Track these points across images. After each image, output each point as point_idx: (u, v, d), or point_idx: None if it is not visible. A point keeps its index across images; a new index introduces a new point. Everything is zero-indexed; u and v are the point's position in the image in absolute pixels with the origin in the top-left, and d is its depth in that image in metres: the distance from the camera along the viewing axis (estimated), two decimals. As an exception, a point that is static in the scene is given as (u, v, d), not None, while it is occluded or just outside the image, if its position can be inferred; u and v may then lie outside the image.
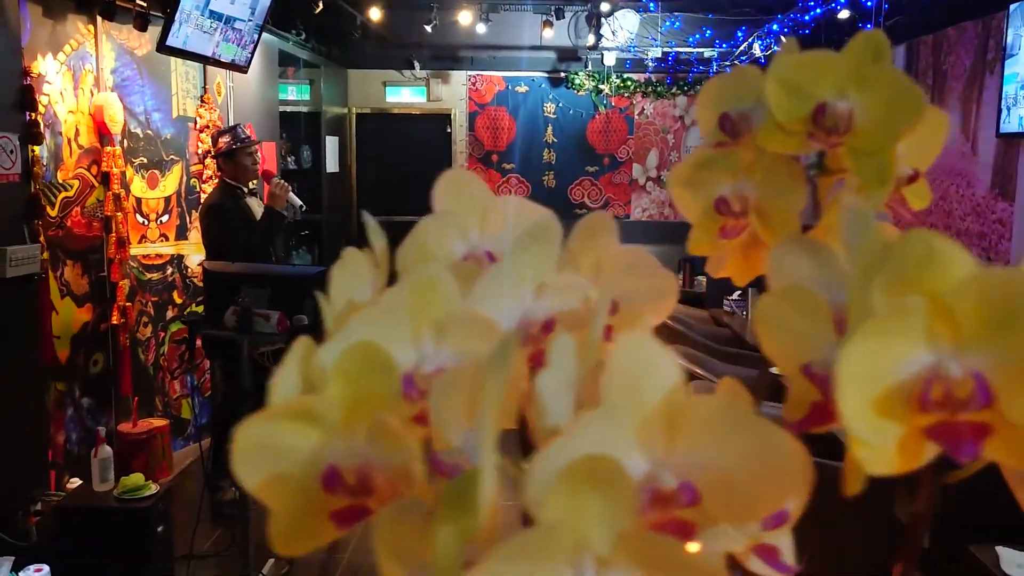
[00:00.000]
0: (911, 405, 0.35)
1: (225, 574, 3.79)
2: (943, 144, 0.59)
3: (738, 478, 0.36)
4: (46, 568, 1.96)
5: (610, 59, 7.54)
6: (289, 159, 7.60)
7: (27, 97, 3.77)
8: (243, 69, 5.20)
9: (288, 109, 7.60)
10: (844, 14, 5.40)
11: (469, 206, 0.62)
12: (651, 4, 6.49)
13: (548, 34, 6.66)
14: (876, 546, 3.17)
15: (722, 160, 0.61)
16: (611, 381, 0.38)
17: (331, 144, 7.99)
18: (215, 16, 4.64)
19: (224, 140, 4.53)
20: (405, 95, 8.43)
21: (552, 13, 6.24)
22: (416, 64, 8.15)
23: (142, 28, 4.45)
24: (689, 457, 0.37)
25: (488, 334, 0.45)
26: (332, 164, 8.03)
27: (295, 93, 7.99)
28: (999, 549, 2.72)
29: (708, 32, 7.05)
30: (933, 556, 3.17)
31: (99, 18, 4.37)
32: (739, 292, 6.04)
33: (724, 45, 7.14)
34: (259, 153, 4.69)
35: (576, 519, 0.32)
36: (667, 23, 6.54)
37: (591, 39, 6.89)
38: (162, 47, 4.16)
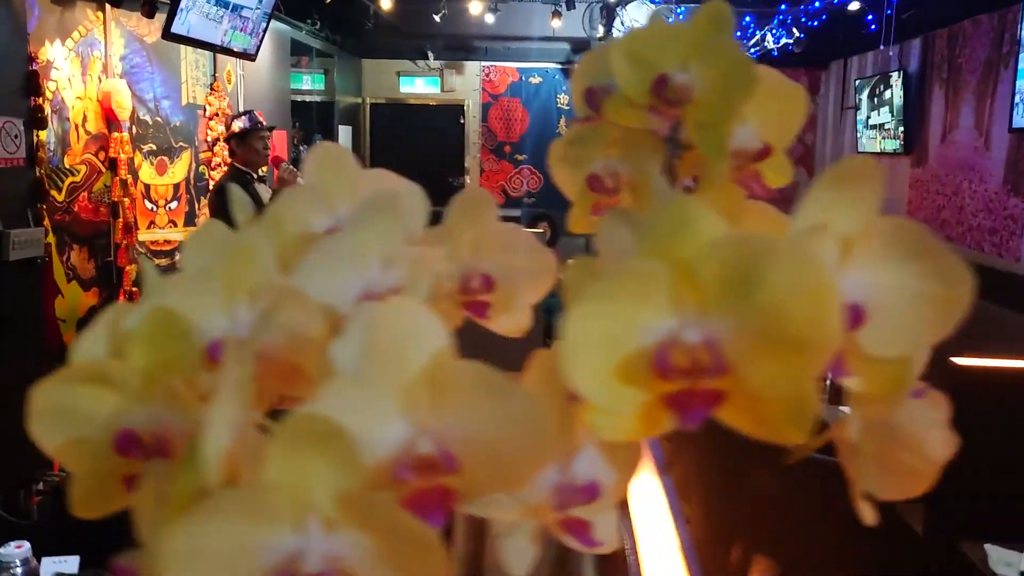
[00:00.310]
0: (649, 371, 0.34)
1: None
2: (803, 119, 0.58)
3: (495, 445, 0.36)
4: (26, 544, 1.99)
5: (625, 50, 7.48)
6: (301, 148, 7.64)
7: (32, 83, 3.82)
8: (251, 57, 5.23)
9: (302, 98, 7.64)
10: (854, 6, 5.33)
11: (338, 180, 0.62)
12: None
13: (557, 24, 6.63)
14: (871, 541, 3.15)
15: (591, 136, 0.61)
16: (372, 346, 0.37)
17: (344, 133, 8.02)
18: (222, 4, 4.66)
19: (239, 122, 4.59)
20: (419, 85, 8.44)
21: (562, 4, 6.22)
22: (430, 55, 8.15)
23: (150, 15, 4.48)
24: (451, 424, 0.36)
25: (300, 304, 0.45)
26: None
27: (310, 82, 8.03)
28: (988, 547, 2.69)
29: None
30: (924, 553, 3.14)
31: (108, 5, 4.41)
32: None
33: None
34: (271, 140, 4.73)
35: (295, 480, 0.32)
36: (675, 13, 6.49)
37: (601, 30, 6.85)
38: (167, 34, 4.20)
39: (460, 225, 0.66)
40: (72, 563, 2.36)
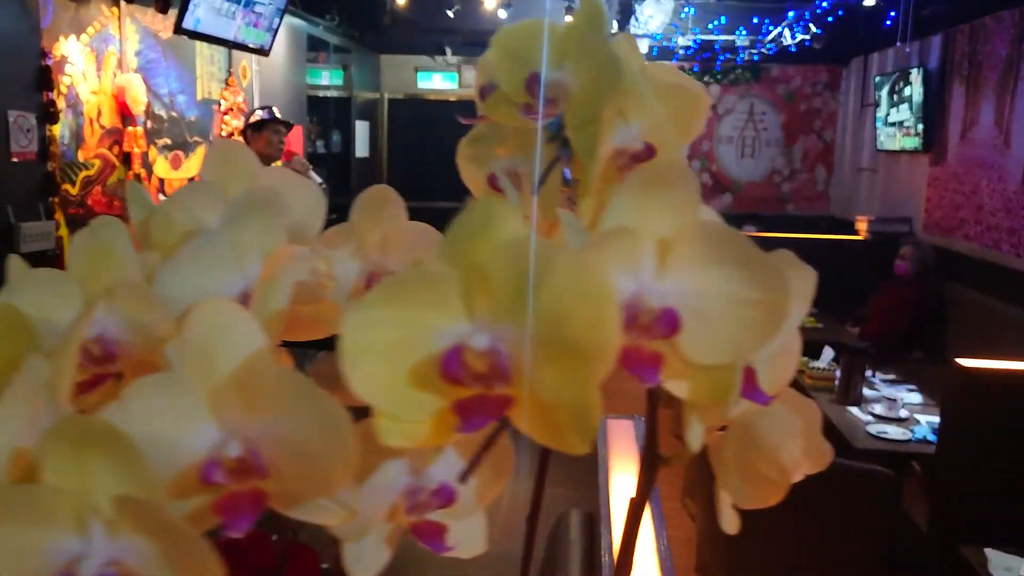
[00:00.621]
0: (436, 378, 0.33)
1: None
2: (702, 120, 0.56)
3: (305, 449, 0.36)
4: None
5: (642, 47, 7.46)
6: (318, 143, 7.67)
7: (45, 77, 3.86)
8: (265, 52, 5.26)
9: (321, 94, 7.67)
10: (869, 1, 5.24)
11: (234, 177, 0.62)
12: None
13: (570, 20, 6.56)
14: (880, 545, 3.11)
15: (490, 134, 0.60)
16: (185, 346, 0.37)
17: (361, 129, 8.05)
18: (234, -1, 4.69)
19: (258, 113, 4.65)
20: (436, 81, 8.44)
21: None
22: (447, 50, 8.15)
23: (163, 10, 4.52)
24: (261, 427, 0.36)
25: (146, 303, 0.45)
26: (362, 149, 8.08)
27: (328, 78, 8.05)
28: (988, 551, 2.65)
29: (723, 19, 6.93)
30: (925, 557, 3.10)
31: (122, 1, 4.45)
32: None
33: (743, 31, 7.01)
34: (286, 136, 4.78)
35: (77, 483, 0.32)
36: (683, 11, 6.44)
37: (615, 26, 6.81)
38: (178, 29, 4.23)
39: (365, 224, 0.65)
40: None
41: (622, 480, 1.72)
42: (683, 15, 6.78)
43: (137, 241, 0.60)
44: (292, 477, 0.36)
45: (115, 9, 4.49)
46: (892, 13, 5.55)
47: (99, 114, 4.43)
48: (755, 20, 6.62)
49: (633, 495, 0.49)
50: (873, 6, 5.53)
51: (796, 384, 4.17)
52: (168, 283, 0.49)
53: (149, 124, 4.75)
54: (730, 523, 0.46)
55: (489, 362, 0.33)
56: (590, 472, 1.69)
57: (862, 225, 6.52)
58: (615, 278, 0.36)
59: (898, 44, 5.59)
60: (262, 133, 4.60)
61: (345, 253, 0.64)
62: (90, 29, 4.32)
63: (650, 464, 0.49)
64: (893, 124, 6.56)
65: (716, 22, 7.10)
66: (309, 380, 0.35)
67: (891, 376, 4.21)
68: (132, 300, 0.44)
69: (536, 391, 0.33)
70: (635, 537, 0.51)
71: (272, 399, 0.36)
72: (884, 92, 6.67)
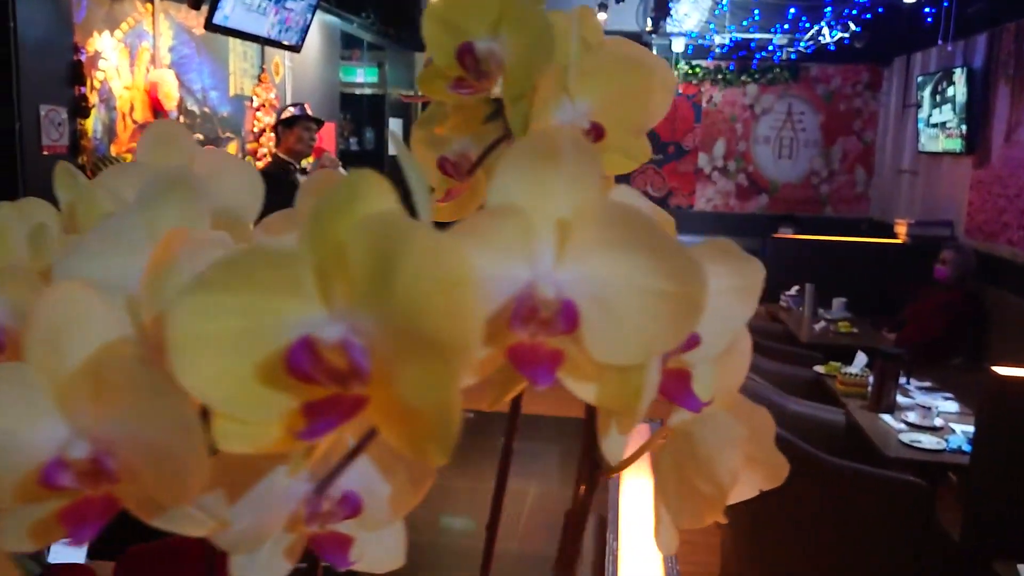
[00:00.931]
0: (281, 375, 0.29)
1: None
2: (664, 100, 0.52)
3: (156, 450, 0.32)
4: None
5: (678, 45, 7.36)
6: (351, 140, 7.69)
7: (76, 72, 3.90)
8: (296, 49, 5.27)
9: (355, 91, 7.69)
10: (910, -2, 5.10)
11: (171, 158, 0.58)
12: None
13: (603, 17, 6.52)
14: (909, 556, 3.02)
15: (438, 114, 0.56)
16: (34, 335, 0.34)
17: (395, 125, 8.05)
18: (265, -5, 4.70)
19: (290, 109, 4.67)
20: (471, 79, 8.42)
21: (609, -4, 6.12)
22: (482, 48, 8.12)
23: (195, 6, 4.55)
24: (113, 425, 0.32)
25: (31, 287, 0.41)
26: (395, 146, 8.10)
27: (362, 75, 8.07)
28: (1021, 568, 2.55)
29: (757, 14, 6.79)
30: (956, 570, 2.99)
31: (156, -3, 4.49)
32: (796, 287, 5.83)
33: (778, 29, 6.87)
34: (318, 134, 4.78)
35: None
36: (718, 7, 6.33)
37: (649, 24, 6.73)
38: (208, 24, 4.25)
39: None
40: (80, 552, 2.40)
41: (634, 485, 1.67)
42: (717, 11, 6.67)
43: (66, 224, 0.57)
44: (147, 482, 0.32)
45: (149, 5, 4.53)
46: (933, 10, 5.40)
47: (132, 109, 4.47)
48: (790, 14, 6.47)
49: (568, 509, 0.44)
50: (915, 3, 5.38)
51: (827, 390, 4.08)
52: (69, 268, 0.45)
53: (181, 119, 4.79)
54: (668, 544, 0.42)
55: (342, 357, 0.29)
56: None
57: (901, 228, 6.37)
58: (499, 264, 0.31)
59: (940, 43, 5.44)
60: (293, 129, 4.62)
61: (289, 240, 0.60)
62: (124, 25, 4.36)
63: (588, 474, 0.45)
64: (935, 125, 6.40)
65: (751, 18, 6.98)
66: (164, 375, 0.31)
67: (927, 383, 4.08)
68: (19, 286, 0.41)
69: (393, 392, 0.28)
70: (575, 553, 0.47)
71: (124, 395, 0.32)
72: (927, 92, 6.50)
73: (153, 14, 4.57)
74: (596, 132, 0.48)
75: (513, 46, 0.47)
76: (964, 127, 5.90)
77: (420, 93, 0.54)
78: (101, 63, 4.17)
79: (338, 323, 0.29)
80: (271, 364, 0.30)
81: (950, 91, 6.09)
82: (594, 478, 0.45)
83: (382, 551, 0.43)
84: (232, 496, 0.36)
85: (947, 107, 6.16)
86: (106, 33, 4.20)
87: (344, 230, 0.29)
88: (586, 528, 0.46)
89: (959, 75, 5.92)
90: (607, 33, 0.52)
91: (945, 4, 4.89)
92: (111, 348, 0.33)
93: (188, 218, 0.51)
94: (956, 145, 6.05)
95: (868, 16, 5.59)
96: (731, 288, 0.38)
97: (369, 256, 0.29)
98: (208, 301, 0.29)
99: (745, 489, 0.44)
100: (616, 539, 1.56)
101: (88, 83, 4.04)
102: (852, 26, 5.84)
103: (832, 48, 6.34)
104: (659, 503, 0.41)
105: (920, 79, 6.68)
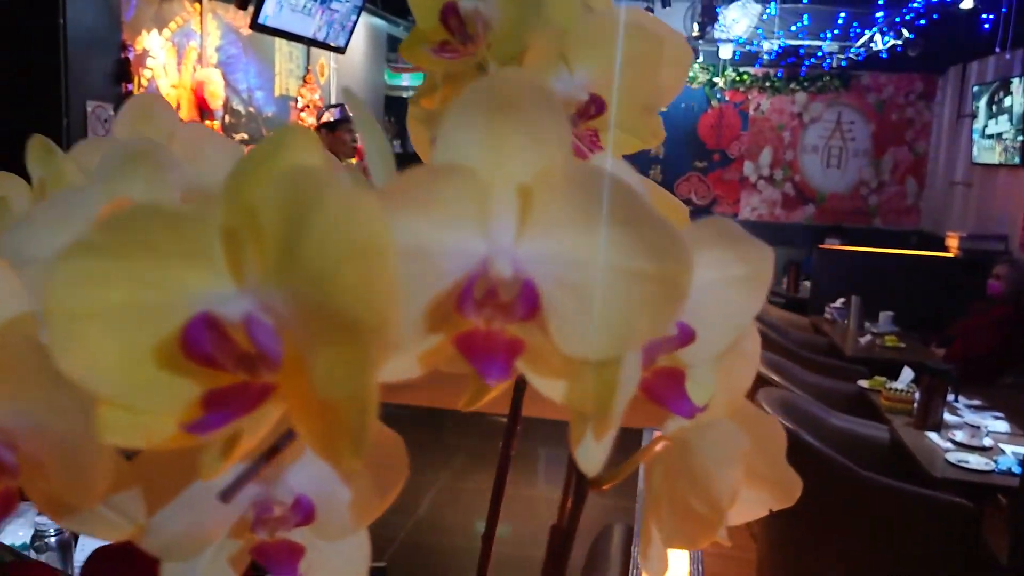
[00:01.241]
0: (177, 357, 0.25)
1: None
2: (682, 75, 0.47)
3: (59, 443, 0.28)
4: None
5: (726, 52, 7.26)
6: (395, 143, 7.71)
7: (123, 69, 3.96)
8: (340, 50, 5.29)
9: (402, 95, 7.71)
10: (967, 4, 4.94)
11: (151, 133, 0.55)
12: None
13: (649, 22, 6.40)
14: (952, 565, 2.90)
15: (429, 88, 0.51)
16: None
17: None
18: (311, -4, 4.72)
19: (332, 111, 4.66)
20: (516, 83, 8.40)
21: (655, 1, 6.03)
22: (528, 52, 8.09)
23: (242, 6, 4.59)
24: (12, 412, 0.28)
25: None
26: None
27: (408, 79, 8.09)
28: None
29: (807, 18, 6.65)
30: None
31: (204, -3, 4.54)
32: (841, 300, 5.69)
33: (828, 35, 6.72)
34: (359, 136, 4.78)
35: None
36: (765, 12, 6.21)
37: (695, 29, 6.63)
38: (254, 24, 4.28)
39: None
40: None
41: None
42: (766, 17, 6.55)
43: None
44: (51, 478, 0.28)
45: (197, 5, 4.58)
46: (991, 17, 5.24)
47: (178, 107, 4.52)
48: (841, 20, 6.31)
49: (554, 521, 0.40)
50: (971, 9, 5.22)
51: (871, 405, 3.96)
52: (20, 242, 0.42)
53: (227, 119, 4.83)
54: (656, 567, 0.37)
55: (248, 337, 0.24)
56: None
57: (953, 242, 6.19)
58: (446, 234, 0.27)
59: (998, 51, 5.27)
60: (335, 132, 4.62)
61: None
62: (172, 24, 4.41)
63: (577, 487, 0.40)
64: (991, 136, 6.21)
65: (800, 24, 6.84)
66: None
67: (976, 401, 3.94)
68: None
69: (305, 380, 0.24)
70: (560, 572, 0.42)
71: (22, 379, 0.28)
72: (982, 103, 6.32)
73: (201, 14, 4.62)
74: (596, 105, 0.43)
75: (501, 4, 0.43)
76: (1021, 138, 5.71)
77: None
78: (149, 61, 4.22)
79: (246, 298, 0.25)
80: (167, 344, 0.25)
81: (1007, 101, 5.90)
82: (581, 490, 0.41)
83: (341, 563, 0.39)
84: (159, 497, 0.32)
85: (1004, 118, 5.97)
86: (154, 32, 4.26)
87: (258, 188, 0.25)
88: (572, 546, 0.41)
89: (1017, 85, 5.74)
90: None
91: (1003, 11, 4.73)
92: (12, 325, 0.29)
93: (153, 191, 0.47)
94: (1013, 157, 5.87)
95: (922, 23, 5.43)
96: (735, 277, 0.33)
97: (279, 218, 0.24)
98: (92, 267, 0.25)
99: (751, 508, 0.39)
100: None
101: (135, 81, 4.09)
102: (905, 33, 5.69)
103: (884, 56, 6.19)
104: (649, 521, 0.37)
105: (976, 88, 6.50)
